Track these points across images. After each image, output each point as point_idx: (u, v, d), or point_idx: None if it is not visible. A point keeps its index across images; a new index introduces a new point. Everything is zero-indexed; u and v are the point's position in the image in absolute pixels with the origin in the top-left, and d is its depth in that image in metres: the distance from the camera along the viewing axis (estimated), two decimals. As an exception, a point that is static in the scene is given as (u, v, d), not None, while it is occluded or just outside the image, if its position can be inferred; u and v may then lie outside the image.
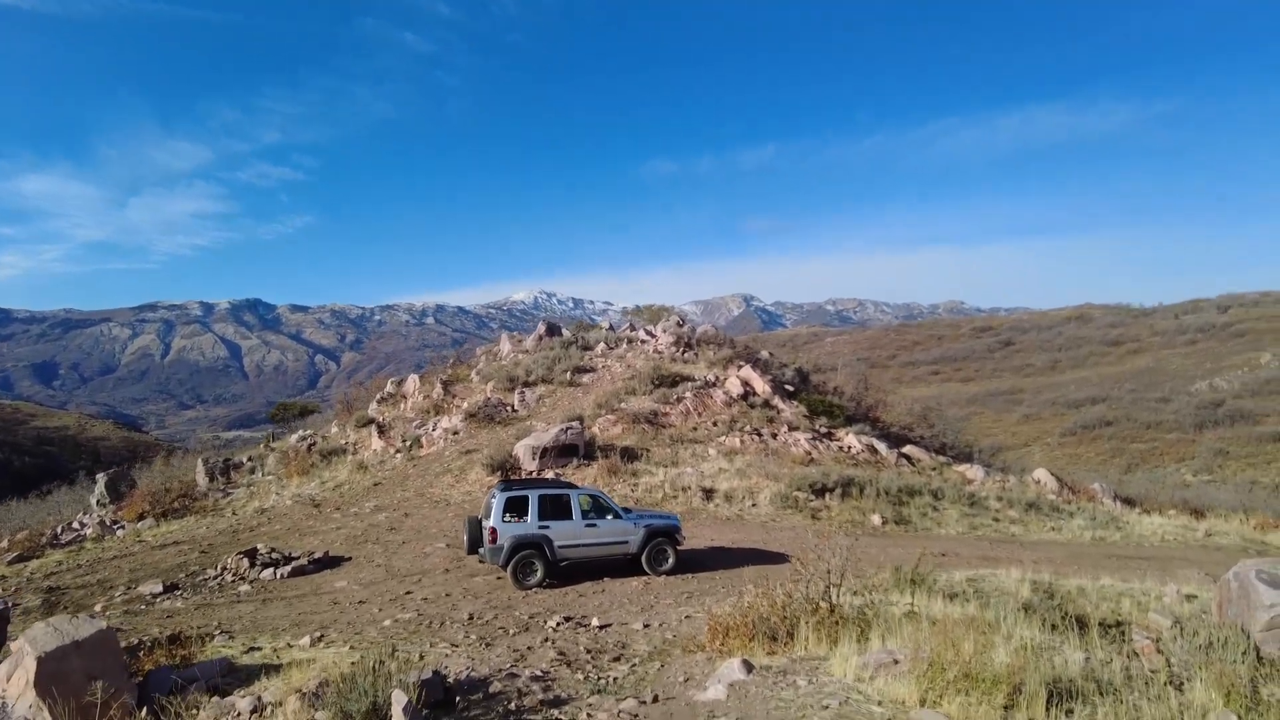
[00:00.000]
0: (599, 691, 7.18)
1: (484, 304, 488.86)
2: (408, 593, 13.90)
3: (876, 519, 21.21)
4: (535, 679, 7.67)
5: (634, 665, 8.47)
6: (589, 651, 9.21)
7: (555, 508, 14.34)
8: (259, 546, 16.88)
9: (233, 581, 15.08)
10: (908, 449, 31.05)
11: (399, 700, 5.48)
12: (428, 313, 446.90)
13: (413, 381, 37.79)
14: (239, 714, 7.44)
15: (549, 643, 9.75)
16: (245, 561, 15.76)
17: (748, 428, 29.02)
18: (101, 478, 25.25)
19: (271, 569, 15.54)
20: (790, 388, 35.58)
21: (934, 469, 29.21)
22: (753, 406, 31.22)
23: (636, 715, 6.41)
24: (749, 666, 6.69)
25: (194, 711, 7.81)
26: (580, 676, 7.91)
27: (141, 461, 30.31)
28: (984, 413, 78.28)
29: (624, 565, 15.02)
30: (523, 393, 31.86)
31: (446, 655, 9.23)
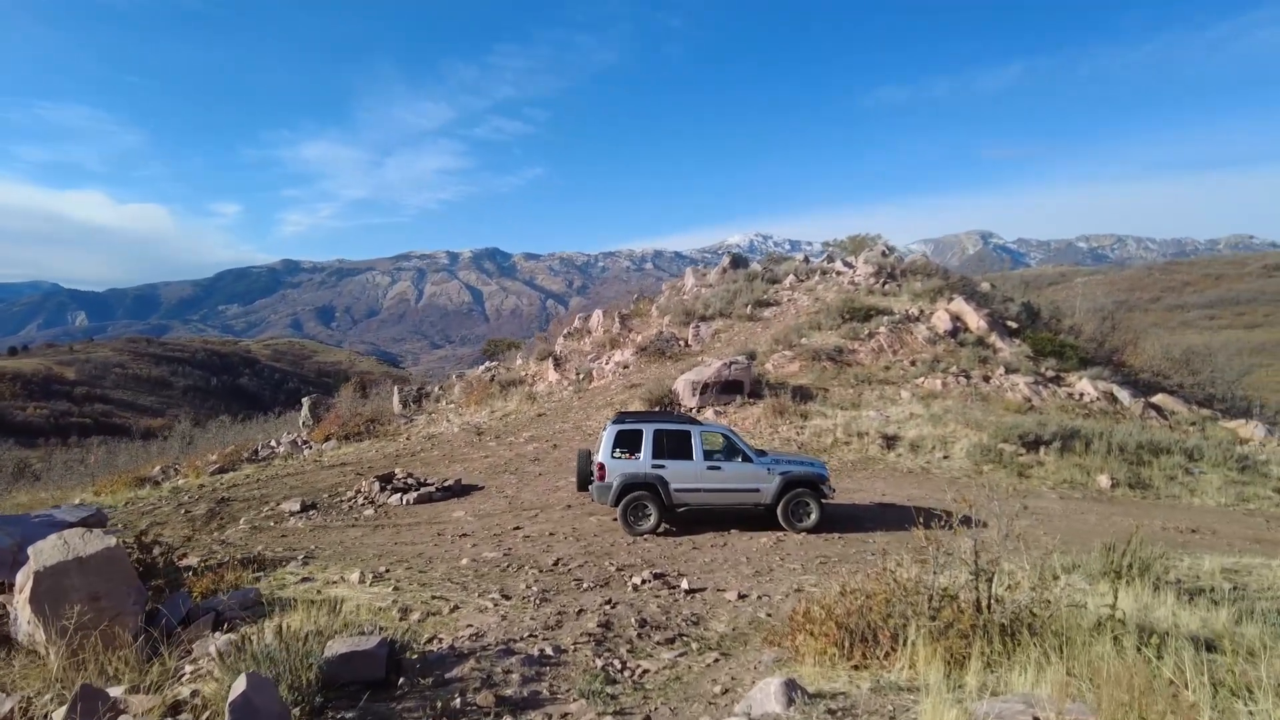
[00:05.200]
0: (589, 695, 5.17)
1: (700, 248, 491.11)
2: (516, 528, 12.79)
3: (1104, 480, 16.72)
4: (530, 661, 5.83)
5: (681, 654, 6.33)
6: (644, 625, 7.20)
7: (673, 445, 12.32)
8: (396, 471, 16.78)
9: (361, 505, 14.94)
10: (1159, 399, 24.88)
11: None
12: (647, 258, 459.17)
13: (597, 316, 37.28)
14: (209, 655, 6.46)
15: (609, 605, 7.89)
16: (377, 486, 15.61)
17: (954, 368, 24.86)
18: (306, 401, 27.29)
19: (400, 495, 15.24)
20: (1013, 325, 30.15)
21: (1193, 424, 23.11)
22: (962, 345, 26.76)
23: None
24: (790, 694, 4.30)
25: (186, 645, 7.05)
26: (598, 664, 5.94)
27: (343, 389, 32.56)
28: (1274, 365, 63.75)
29: (760, 518, 12.71)
30: (698, 327, 29.90)
31: (481, 612, 7.71)
